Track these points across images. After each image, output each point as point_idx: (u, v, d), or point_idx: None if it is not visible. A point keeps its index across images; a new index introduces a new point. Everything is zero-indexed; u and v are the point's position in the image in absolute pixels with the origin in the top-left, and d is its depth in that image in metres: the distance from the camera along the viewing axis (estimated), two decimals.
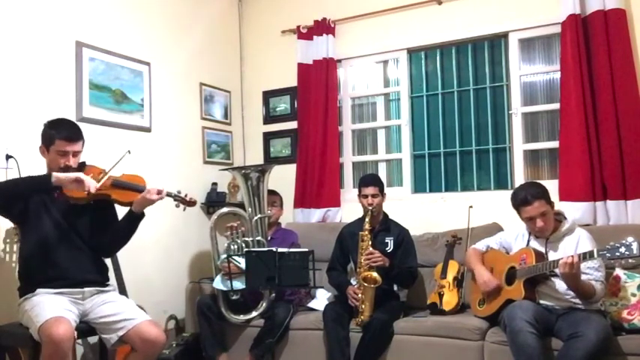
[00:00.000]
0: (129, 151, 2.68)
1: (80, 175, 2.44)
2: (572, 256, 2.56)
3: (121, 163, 2.66)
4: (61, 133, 2.55)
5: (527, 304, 2.69)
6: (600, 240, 2.74)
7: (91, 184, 2.45)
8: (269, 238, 3.60)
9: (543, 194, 2.82)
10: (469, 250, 3.21)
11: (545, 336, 2.66)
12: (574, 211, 3.39)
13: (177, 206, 2.73)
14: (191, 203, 2.74)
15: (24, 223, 2.58)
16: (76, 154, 2.59)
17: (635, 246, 2.39)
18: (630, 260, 2.44)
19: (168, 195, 2.68)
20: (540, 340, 2.58)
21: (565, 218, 2.93)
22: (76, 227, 2.63)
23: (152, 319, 2.60)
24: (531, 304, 2.70)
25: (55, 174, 2.43)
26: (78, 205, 2.58)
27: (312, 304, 3.57)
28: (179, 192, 2.73)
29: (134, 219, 2.66)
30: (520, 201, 2.84)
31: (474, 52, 4.19)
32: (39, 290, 2.50)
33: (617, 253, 2.43)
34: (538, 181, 3.38)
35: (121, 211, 2.75)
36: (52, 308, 2.36)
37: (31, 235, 2.56)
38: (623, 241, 2.42)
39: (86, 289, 2.60)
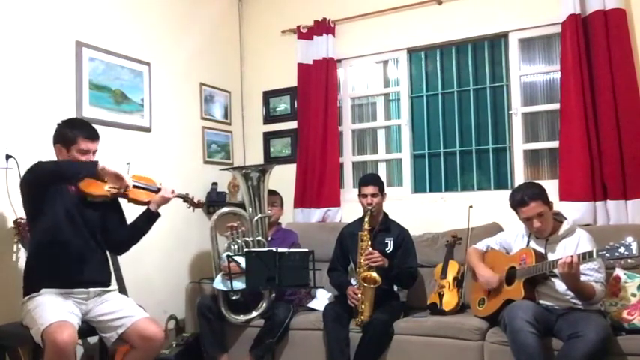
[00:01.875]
0: (128, 163, 2.76)
1: (122, 172, 2.51)
2: (572, 256, 2.56)
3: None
4: (83, 133, 2.61)
5: (527, 303, 2.69)
6: (600, 240, 2.73)
7: (130, 183, 2.56)
8: (269, 238, 3.59)
9: (540, 195, 2.81)
10: (470, 250, 3.21)
11: (545, 336, 2.66)
12: (574, 211, 3.39)
13: (188, 207, 2.94)
14: (199, 205, 2.97)
15: (36, 217, 2.56)
16: (95, 152, 2.66)
17: (634, 246, 2.39)
18: (630, 260, 2.44)
19: (180, 196, 2.87)
20: (540, 339, 2.58)
21: (565, 219, 2.93)
22: (88, 223, 2.65)
23: (151, 316, 2.60)
24: (532, 304, 2.70)
25: (101, 163, 2.47)
26: (94, 202, 2.63)
27: (312, 304, 3.57)
28: (187, 194, 2.93)
29: (152, 217, 2.78)
30: (517, 202, 2.85)
31: (474, 52, 4.19)
32: (44, 290, 2.49)
33: (617, 253, 2.43)
34: (538, 181, 3.38)
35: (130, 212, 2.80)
36: (56, 311, 2.36)
37: (44, 226, 2.54)
38: (623, 241, 2.42)
39: (91, 289, 2.61)
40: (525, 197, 2.80)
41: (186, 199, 2.92)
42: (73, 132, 2.60)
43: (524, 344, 2.55)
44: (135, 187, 2.68)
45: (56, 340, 2.21)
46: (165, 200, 2.77)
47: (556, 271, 2.67)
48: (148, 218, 2.77)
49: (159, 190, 2.77)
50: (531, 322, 2.57)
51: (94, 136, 2.65)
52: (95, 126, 3.33)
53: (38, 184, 2.51)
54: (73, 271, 2.56)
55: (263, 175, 3.46)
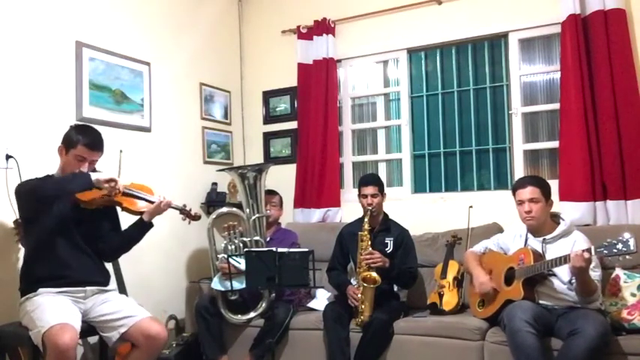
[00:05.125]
0: (120, 150, 2.75)
1: (114, 176, 2.53)
2: (583, 251, 2.54)
3: (124, 167, 2.73)
4: (85, 139, 2.59)
5: (526, 304, 2.69)
6: (600, 240, 2.72)
7: (121, 185, 2.57)
8: (268, 238, 3.59)
9: (541, 185, 2.88)
10: (466, 254, 3.19)
11: (546, 336, 2.66)
12: (574, 211, 3.39)
13: (183, 219, 2.89)
14: (196, 217, 2.92)
15: (30, 223, 2.59)
16: (92, 162, 2.63)
17: (632, 242, 2.39)
18: (628, 257, 2.44)
19: (175, 208, 2.82)
20: (540, 340, 2.57)
21: (563, 220, 2.93)
22: (80, 229, 2.65)
23: (153, 315, 2.61)
24: (531, 304, 2.70)
25: (93, 175, 2.49)
26: (88, 208, 2.62)
27: (312, 304, 3.57)
28: (185, 206, 2.88)
29: (144, 227, 2.74)
30: (517, 184, 2.98)
31: (473, 52, 4.18)
32: (40, 290, 2.50)
33: (615, 250, 2.43)
34: None
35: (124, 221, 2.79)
36: (57, 313, 2.35)
37: (37, 231, 2.57)
38: (620, 238, 2.43)
39: (88, 288, 2.61)
40: (525, 181, 2.94)
41: (182, 211, 2.87)
42: (77, 136, 2.60)
43: (523, 344, 2.54)
44: (129, 195, 2.69)
45: (57, 343, 2.20)
46: (159, 211, 2.73)
47: (555, 270, 2.68)
48: (140, 227, 2.74)
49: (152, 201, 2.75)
50: (530, 323, 2.57)
51: (95, 147, 2.62)
52: (95, 126, 3.35)
53: (33, 205, 2.53)
54: (67, 272, 2.56)
55: (259, 174, 3.45)
